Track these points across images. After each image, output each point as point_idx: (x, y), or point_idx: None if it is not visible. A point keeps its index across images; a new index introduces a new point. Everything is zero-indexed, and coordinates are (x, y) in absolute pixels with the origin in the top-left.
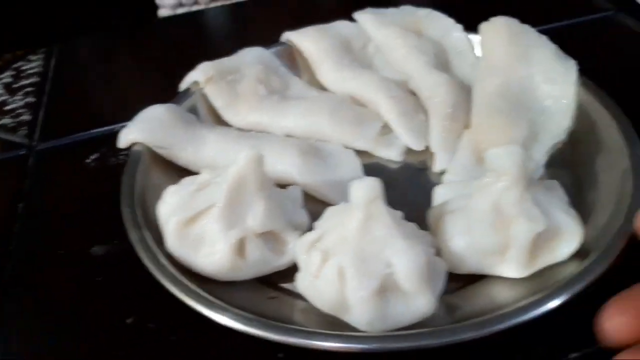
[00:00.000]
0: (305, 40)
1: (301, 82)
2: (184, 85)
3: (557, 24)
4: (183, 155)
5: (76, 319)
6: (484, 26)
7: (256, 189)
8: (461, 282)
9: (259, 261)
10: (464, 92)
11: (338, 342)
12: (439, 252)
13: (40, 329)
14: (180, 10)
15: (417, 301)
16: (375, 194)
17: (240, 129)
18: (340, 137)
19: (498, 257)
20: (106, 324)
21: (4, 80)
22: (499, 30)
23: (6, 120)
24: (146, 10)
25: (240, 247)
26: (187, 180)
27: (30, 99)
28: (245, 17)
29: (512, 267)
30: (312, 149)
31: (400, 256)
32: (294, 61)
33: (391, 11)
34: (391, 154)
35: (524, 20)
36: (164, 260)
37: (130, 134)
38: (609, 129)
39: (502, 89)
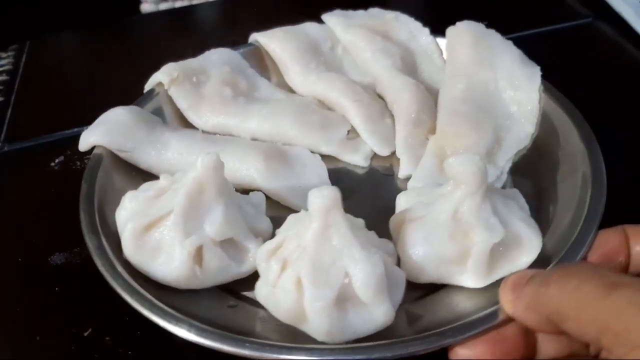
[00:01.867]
0: (273, 41)
1: (269, 84)
2: (148, 86)
3: (536, 30)
4: (145, 159)
5: (32, 331)
6: (449, 30)
7: (215, 195)
8: (422, 291)
9: (218, 269)
10: (430, 96)
11: (289, 355)
12: (399, 261)
13: None
14: (164, 6)
15: (376, 311)
16: (333, 203)
17: (205, 132)
18: (305, 141)
19: (457, 266)
20: (63, 337)
21: None
22: (464, 35)
23: None
24: (128, 4)
25: (198, 255)
26: (145, 186)
27: None
28: (229, 15)
29: (471, 277)
30: (277, 153)
31: (357, 266)
32: (263, 62)
33: (359, 13)
34: (357, 159)
35: (503, 26)
36: (120, 269)
37: (90, 137)
38: (571, 135)
39: (466, 94)
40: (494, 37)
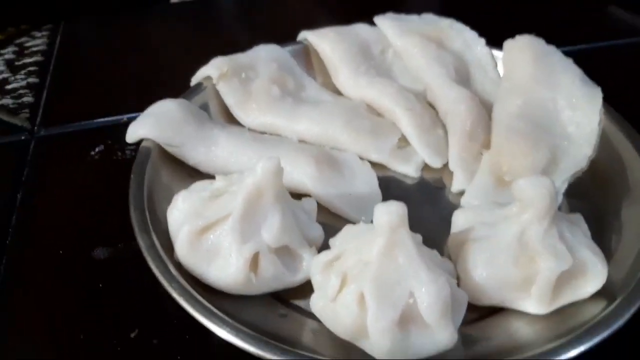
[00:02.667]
0: (323, 41)
1: (316, 84)
2: (195, 79)
3: (596, 44)
4: (194, 155)
5: (76, 329)
6: (508, 44)
7: (273, 201)
8: (479, 313)
9: (273, 277)
10: (484, 110)
11: None
12: (459, 282)
13: (33, 337)
14: None
15: (439, 334)
16: (400, 221)
17: (252, 130)
18: (355, 147)
19: (520, 292)
20: (107, 337)
21: (6, 57)
22: (524, 49)
23: (7, 101)
24: None
25: (254, 262)
26: (199, 186)
27: (33, 79)
28: (260, 8)
29: (534, 303)
30: (327, 158)
31: (424, 287)
32: (309, 61)
33: (413, 18)
34: (408, 170)
35: (559, 39)
36: (174, 270)
37: (139, 129)
38: (632, 161)
39: (523, 110)
40: (555, 55)
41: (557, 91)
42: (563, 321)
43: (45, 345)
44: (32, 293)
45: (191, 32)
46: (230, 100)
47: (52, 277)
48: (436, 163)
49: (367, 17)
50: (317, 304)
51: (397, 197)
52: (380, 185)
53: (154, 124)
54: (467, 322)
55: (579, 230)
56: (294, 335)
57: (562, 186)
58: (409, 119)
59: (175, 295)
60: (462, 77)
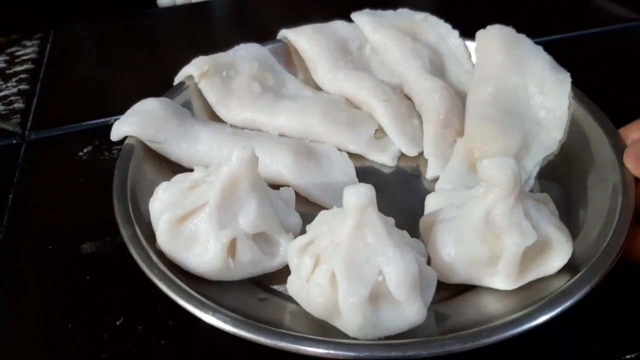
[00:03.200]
0: (302, 38)
1: (296, 80)
2: (178, 78)
3: (579, 32)
4: (176, 151)
5: (64, 319)
6: (479, 34)
7: (249, 189)
8: (450, 292)
9: (250, 262)
10: (458, 98)
11: (326, 349)
12: (429, 261)
13: (25, 328)
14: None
15: (408, 310)
16: (368, 201)
17: (234, 126)
18: (333, 139)
19: (488, 268)
20: (95, 326)
21: None
22: (495, 39)
23: None
24: None
25: (231, 248)
26: (179, 177)
27: (23, 86)
28: (246, 11)
29: (501, 279)
30: (305, 150)
31: (392, 264)
32: (290, 59)
33: (388, 13)
34: (384, 159)
35: (542, 28)
36: (155, 258)
37: (122, 127)
38: (601, 143)
39: (495, 98)
40: (525, 42)
41: (527, 77)
42: (530, 295)
43: (35, 335)
44: (23, 286)
45: (179, 36)
46: (212, 98)
47: (42, 271)
48: (412, 151)
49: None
50: (293, 285)
51: (374, 186)
52: (358, 174)
53: (136, 122)
54: (438, 300)
55: (546, 209)
56: (274, 318)
57: (534, 169)
58: (385, 109)
59: (156, 280)
60: (437, 68)
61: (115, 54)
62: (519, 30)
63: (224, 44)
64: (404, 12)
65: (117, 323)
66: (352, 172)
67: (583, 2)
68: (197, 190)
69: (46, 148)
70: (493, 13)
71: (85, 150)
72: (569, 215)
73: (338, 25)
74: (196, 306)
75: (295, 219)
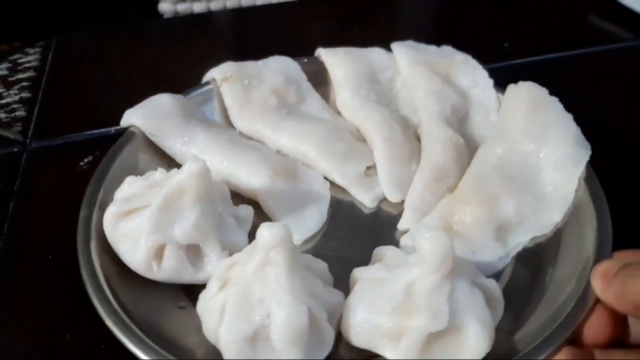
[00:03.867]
0: (332, 59)
1: (320, 101)
2: (204, 79)
3: (575, 51)
4: (170, 147)
5: (62, 329)
6: (509, 88)
7: (193, 200)
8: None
9: (173, 270)
10: (466, 153)
11: None
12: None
13: (24, 336)
14: (181, 5)
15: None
16: (278, 242)
17: (243, 134)
18: (322, 167)
19: (390, 342)
20: (93, 336)
21: (0, 73)
22: (521, 97)
23: (0, 115)
24: (147, 3)
25: (160, 252)
26: (147, 174)
27: (25, 94)
28: (247, 24)
29: (399, 357)
30: (287, 172)
31: (280, 311)
32: (324, 78)
33: (430, 49)
34: (364, 198)
35: (538, 47)
36: (94, 245)
37: (131, 117)
38: (588, 239)
39: (503, 161)
40: (554, 108)
41: (545, 146)
42: None
43: (34, 343)
44: (23, 294)
45: (183, 47)
46: (228, 103)
47: (42, 279)
48: (394, 197)
49: (360, 22)
50: (199, 304)
51: (342, 224)
52: (334, 207)
53: (142, 114)
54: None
55: (482, 299)
56: (178, 331)
57: (516, 248)
58: (384, 148)
59: (82, 267)
60: (460, 116)
61: (118, 63)
62: (515, 49)
63: (225, 55)
64: (446, 50)
65: None
66: (325, 206)
67: (579, 21)
68: (152, 191)
69: (47, 157)
70: (489, 32)
71: (86, 160)
72: (523, 307)
73: (374, 52)
74: (103, 308)
75: (241, 239)
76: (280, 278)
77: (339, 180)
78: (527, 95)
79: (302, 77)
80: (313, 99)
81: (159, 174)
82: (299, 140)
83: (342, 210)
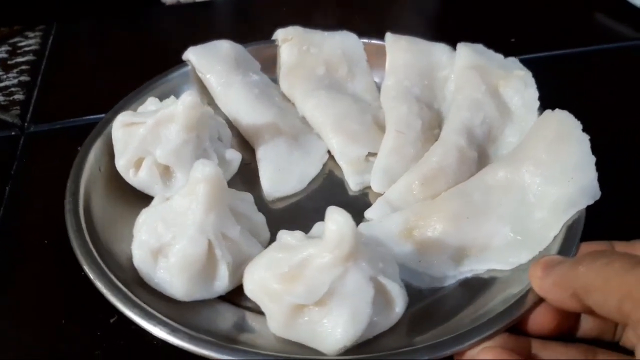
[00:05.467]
0: (395, 45)
1: (368, 82)
2: (273, 36)
3: (581, 48)
4: (210, 85)
5: (58, 315)
6: (543, 114)
7: (180, 128)
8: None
9: (145, 181)
10: (471, 167)
11: None
12: None
13: (19, 322)
14: None
15: (173, 285)
16: (205, 179)
17: (283, 95)
18: (330, 142)
19: (269, 302)
20: (89, 322)
21: None
22: (551, 127)
23: None
24: None
25: (139, 163)
26: (165, 100)
27: (24, 78)
28: (250, 12)
29: (271, 321)
30: (292, 135)
31: (182, 237)
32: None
33: (495, 57)
34: (351, 181)
35: (544, 43)
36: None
37: (189, 53)
38: None
39: (498, 185)
40: (579, 145)
41: (551, 185)
42: None
43: (28, 329)
44: (18, 280)
45: (183, 35)
46: (280, 63)
47: (38, 265)
48: (378, 187)
49: (363, 13)
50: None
51: (319, 197)
52: (323, 181)
53: (197, 52)
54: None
55: (369, 294)
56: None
57: (465, 274)
58: (391, 139)
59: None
60: (491, 131)
61: (118, 50)
62: (522, 44)
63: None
64: (510, 61)
65: (111, 321)
66: (310, 174)
67: (586, 19)
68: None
69: (45, 141)
70: (497, 26)
71: None
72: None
73: (438, 48)
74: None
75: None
76: (195, 210)
77: (337, 157)
78: (556, 126)
79: (361, 55)
80: (362, 79)
81: (170, 101)
82: (320, 111)
83: (328, 185)
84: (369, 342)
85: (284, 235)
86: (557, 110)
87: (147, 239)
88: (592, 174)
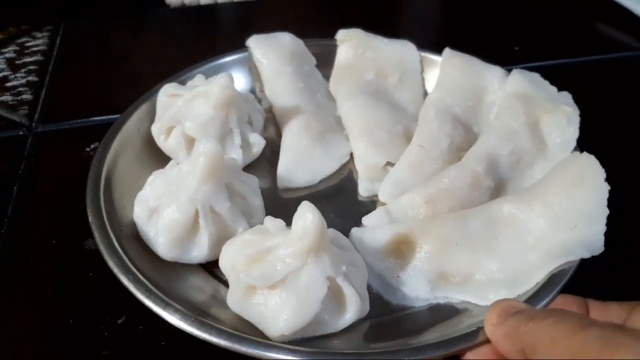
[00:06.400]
0: (449, 62)
1: (416, 94)
2: (336, 36)
3: (584, 58)
4: (263, 72)
5: (65, 315)
6: (569, 155)
7: (210, 106)
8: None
9: (172, 147)
10: (481, 195)
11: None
12: None
13: (26, 321)
14: None
15: (157, 243)
16: (204, 153)
17: (327, 91)
18: (356, 145)
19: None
20: (96, 323)
21: (7, 55)
22: (572, 169)
23: (6, 97)
24: None
25: (170, 131)
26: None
27: (32, 78)
28: (253, 16)
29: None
30: (319, 132)
31: (173, 203)
32: None
33: (549, 89)
34: (361, 186)
35: (546, 52)
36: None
37: (251, 40)
38: None
39: (500, 219)
40: (595, 194)
41: (556, 230)
42: None
43: (36, 329)
44: (26, 280)
45: (189, 35)
46: (335, 62)
47: (45, 265)
48: (384, 196)
49: (367, 20)
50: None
51: (326, 195)
52: (339, 181)
53: (258, 41)
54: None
55: (320, 292)
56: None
57: (438, 299)
58: (411, 153)
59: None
60: (520, 163)
61: (125, 51)
62: (525, 53)
63: (230, 47)
64: (561, 96)
65: (119, 321)
66: (323, 172)
67: (589, 29)
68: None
69: (53, 141)
70: (501, 35)
71: (92, 146)
72: None
73: (492, 71)
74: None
75: (234, 153)
76: (191, 180)
77: (355, 160)
78: (577, 169)
79: (416, 67)
80: (411, 90)
81: (212, 79)
82: (355, 114)
83: (341, 186)
84: (320, 341)
85: (267, 222)
86: (584, 153)
87: (148, 197)
88: (599, 227)
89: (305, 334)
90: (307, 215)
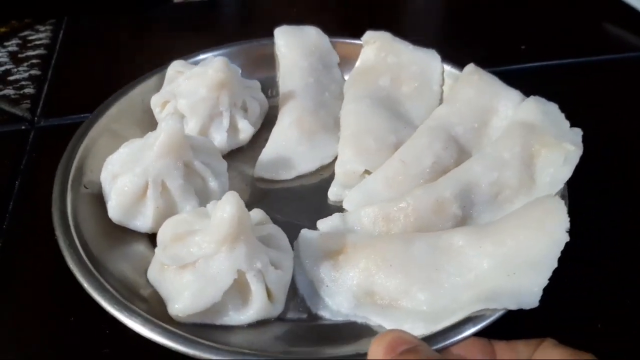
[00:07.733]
0: (465, 78)
1: (431, 108)
2: (364, 37)
3: (590, 58)
4: (280, 62)
5: (67, 311)
6: (540, 199)
7: (203, 86)
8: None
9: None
10: (445, 224)
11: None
12: None
13: (28, 319)
14: None
15: (140, 220)
16: (168, 137)
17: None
18: (340, 148)
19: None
20: (98, 320)
21: (10, 49)
22: (535, 209)
23: (9, 91)
24: None
25: (164, 105)
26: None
27: (35, 71)
28: (256, 11)
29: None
30: (310, 131)
31: (128, 172)
32: None
33: (561, 123)
34: (332, 190)
35: (553, 52)
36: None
37: (279, 31)
38: None
39: (445, 250)
40: (553, 239)
41: (493, 271)
42: None
43: (37, 326)
44: (27, 275)
45: (191, 32)
46: (359, 62)
47: (47, 261)
48: (349, 206)
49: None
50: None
51: (296, 191)
52: (315, 180)
53: (284, 32)
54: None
55: (225, 281)
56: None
57: (358, 318)
58: (389, 167)
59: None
60: (497, 197)
61: (128, 46)
62: (532, 52)
63: (239, 40)
64: (572, 133)
65: None
66: (301, 169)
67: (596, 28)
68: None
69: (55, 136)
70: (507, 34)
71: None
72: None
73: (510, 94)
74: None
75: (219, 136)
76: (148, 153)
77: (336, 163)
78: (541, 213)
79: (436, 79)
80: (425, 102)
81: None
82: (353, 117)
83: (317, 186)
84: (225, 333)
85: (209, 205)
86: (554, 197)
87: (114, 162)
88: (539, 279)
89: (205, 320)
90: (226, 207)
